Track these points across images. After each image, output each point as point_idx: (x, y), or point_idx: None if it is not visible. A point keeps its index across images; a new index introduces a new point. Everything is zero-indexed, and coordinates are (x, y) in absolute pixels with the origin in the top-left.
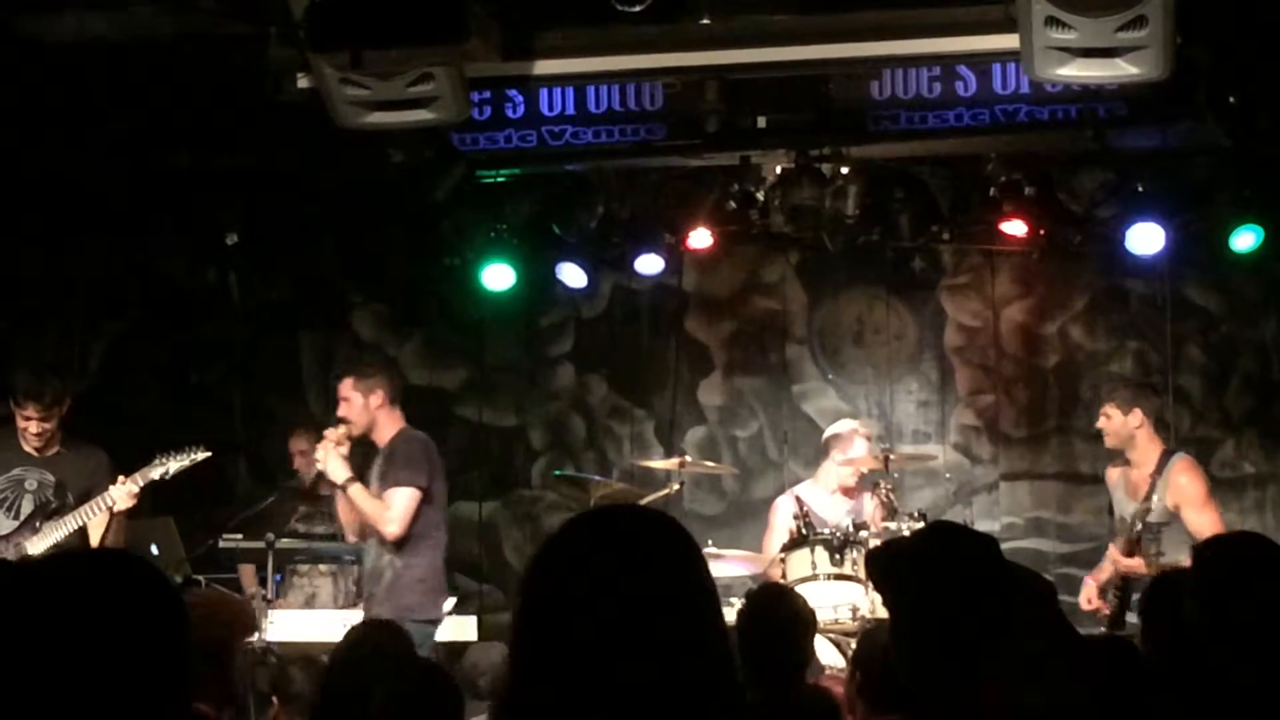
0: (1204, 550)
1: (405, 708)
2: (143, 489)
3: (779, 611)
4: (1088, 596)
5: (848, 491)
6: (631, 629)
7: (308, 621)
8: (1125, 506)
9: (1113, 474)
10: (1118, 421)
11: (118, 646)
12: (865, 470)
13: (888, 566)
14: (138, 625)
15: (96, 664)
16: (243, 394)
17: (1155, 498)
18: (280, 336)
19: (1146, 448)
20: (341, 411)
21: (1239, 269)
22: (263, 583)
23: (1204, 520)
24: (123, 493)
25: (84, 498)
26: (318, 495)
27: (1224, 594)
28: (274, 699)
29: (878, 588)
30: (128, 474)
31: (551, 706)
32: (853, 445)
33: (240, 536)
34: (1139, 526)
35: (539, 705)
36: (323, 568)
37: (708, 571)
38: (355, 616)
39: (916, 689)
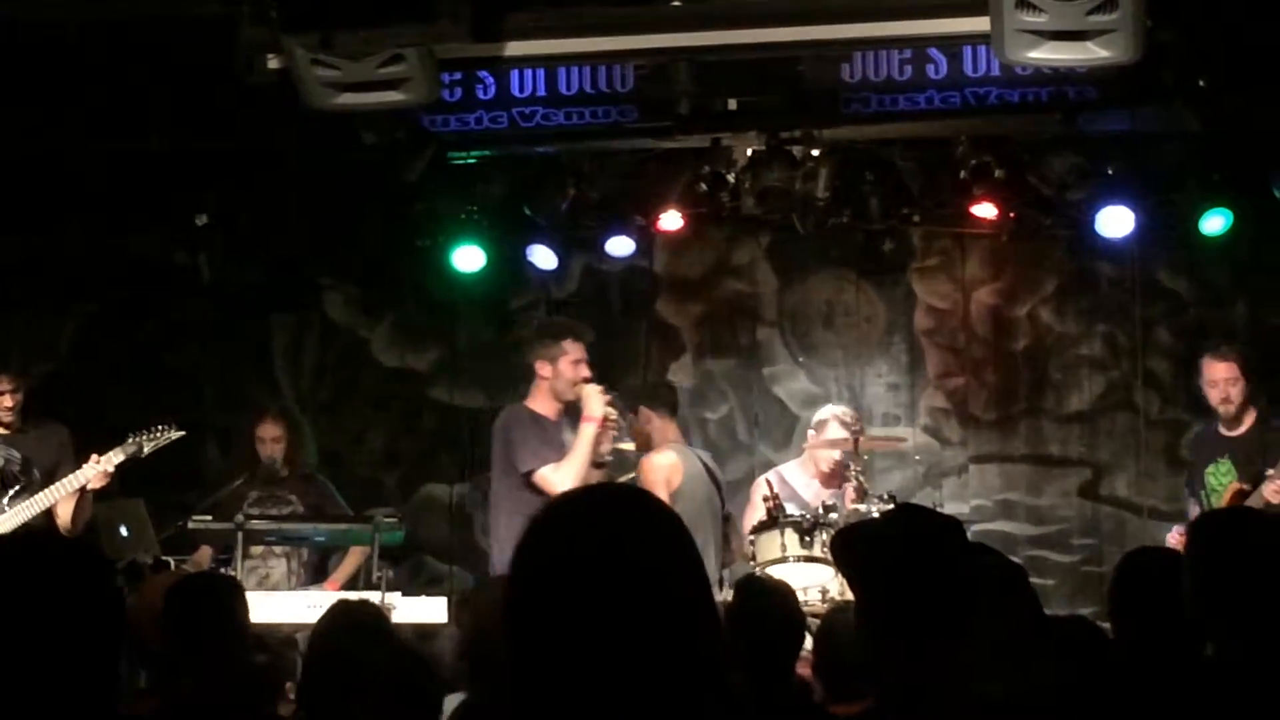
0: (1203, 525)
1: (391, 686)
2: (115, 469)
3: (771, 603)
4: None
5: (823, 479)
6: (623, 608)
7: (263, 603)
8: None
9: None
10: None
11: (47, 629)
12: (837, 456)
13: (852, 549)
14: (69, 611)
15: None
16: (213, 375)
17: None
18: (251, 318)
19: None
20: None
21: (1208, 252)
22: (223, 564)
23: None
24: (95, 472)
25: (49, 475)
26: (270, 480)
27: (1220, 568)
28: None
29: (842, 570)
30: (100, 453)
31: (544, 689)
32: (828, 432)
33: (209, 518)
34: None
35: (532, 688)
36: (276, 549)
37: (695, 550)
38: (311, 597)
39: (881, 673)
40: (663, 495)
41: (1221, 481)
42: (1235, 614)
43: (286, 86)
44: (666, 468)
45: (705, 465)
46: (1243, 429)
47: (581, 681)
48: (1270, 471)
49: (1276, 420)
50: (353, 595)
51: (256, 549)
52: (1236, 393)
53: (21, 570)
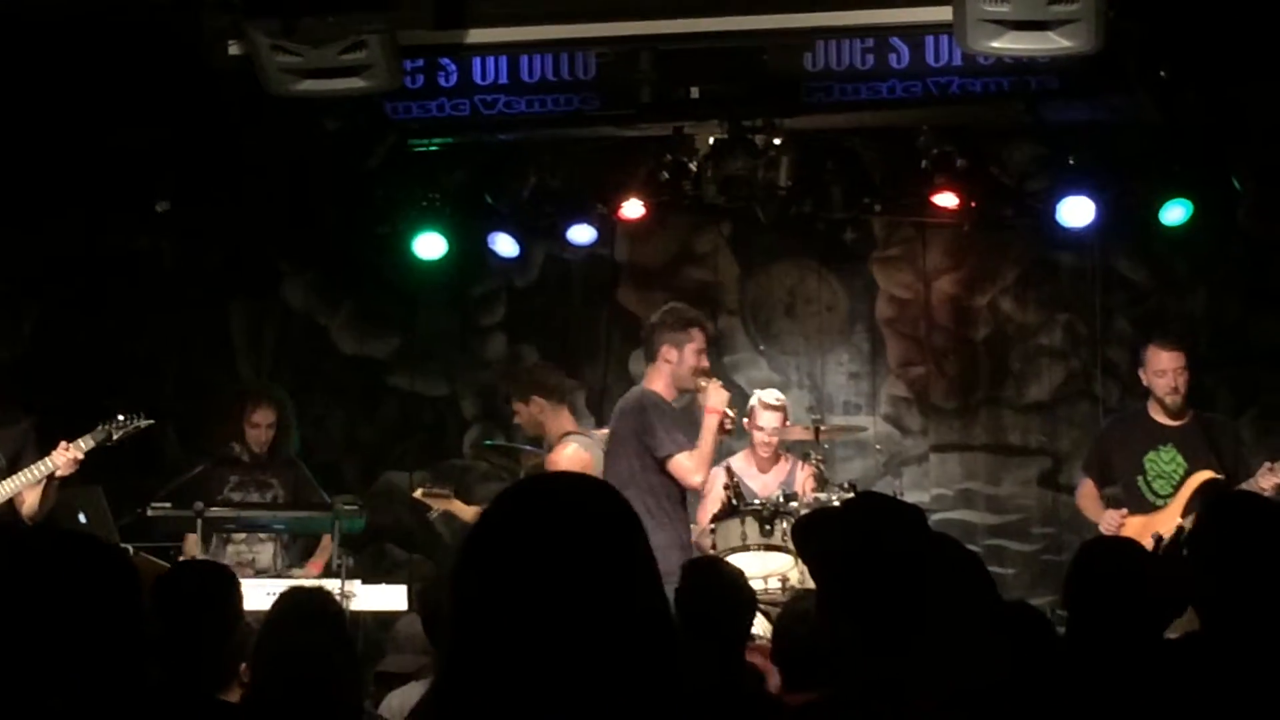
0: (1219, 507)
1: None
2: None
3: (719, 585)
4: None
5: (761, 464)
6: (572, 597)
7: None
8: None
9: None
10: None
11: (75, 619)
12: (773, 441)
13: (813, 537)
14: (96, 599)
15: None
16: (172, 362)
17: None
18: (210, 304)
19: None
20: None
21: (1168, 242)
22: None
23: None
24: (65, 459)
25: (13, 463)
26: (252, 465)
27: (1235, 551)
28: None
29: (803, 558)
30: (68, 440)
31: (490, 680)
32: (756, 418)
33: (169, 505)
34: None
35: (475, 676)
36: (262, 535)
37: (646, 539)
38: (271, 584)
39: (840, 661)
40: None
41: (1167, 468)
42: (1244, 596)
43: (248, 73)
44: (579, 464)
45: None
46: (1186, 420)
47: (529, 668)
48: (1270, 464)
49: (1214, 415)
50: (309, 582)
51: (241, 534)
52: (1183, 383)
53: (46, 565)
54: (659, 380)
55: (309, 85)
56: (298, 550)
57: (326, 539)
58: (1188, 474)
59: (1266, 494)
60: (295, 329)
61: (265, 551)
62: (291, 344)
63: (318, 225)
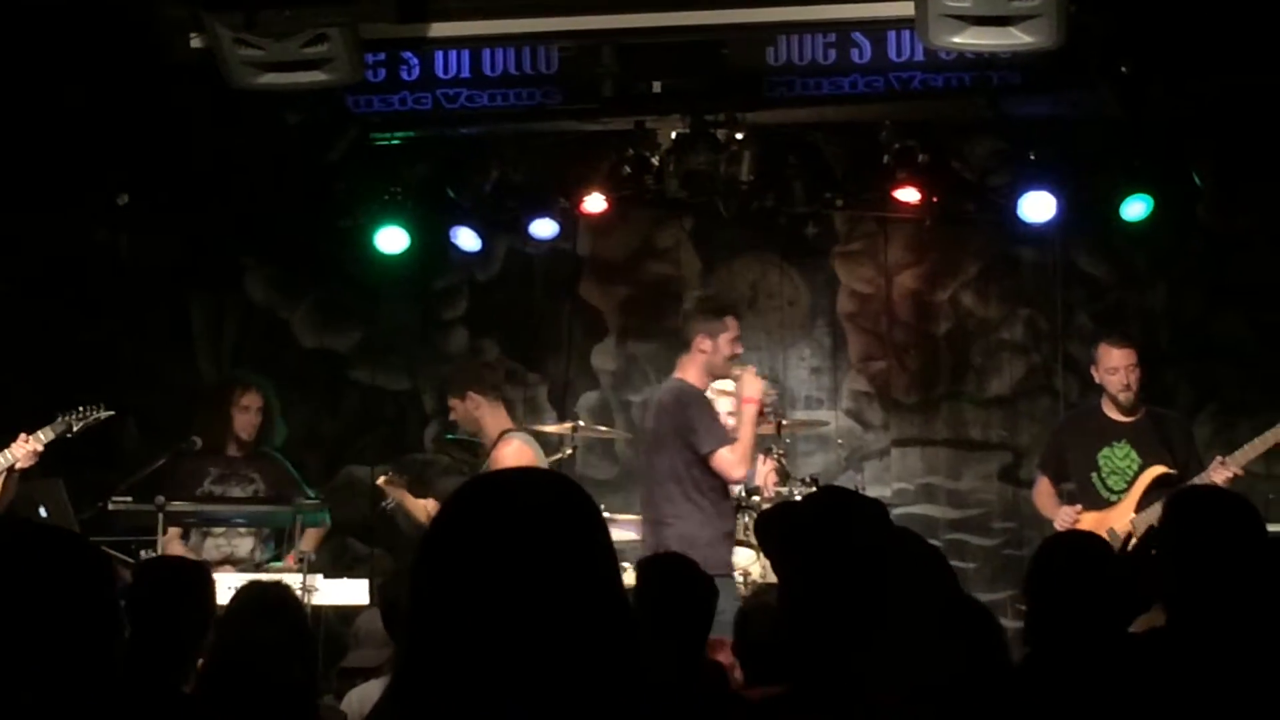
0: (1182, 501)
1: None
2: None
3: (678, 581)
4: None
5: None
6: (531, 591)
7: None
8: None
9: None
10: None
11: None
12: (729, 424)
13: (776, 530)
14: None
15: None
16: (131, 355)
17: None
18: (170, 298)
19: None
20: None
21: (1129, 238)
22: (146, 546)
23: None
24: (25, 451)
25: None
26: (231, 457)
27: (1197, 544)
28: None
29: (766, 552)
30: (28, 432)
31: (447, 673)
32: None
33: (130, 499)
34: None
35: (435, 672)
36: (241, 529)
37: (607, 533)
38: (232, 578)
39: (804, 655)
40: None
41: (1121, 465)
42: (1206, 589)
43: (209, 66)
44: (525, 460)
45: None
46: (1139, 416)
47: (485, 662)
48: (1222, 459)
49: (1167, 411)
50: (268, 576)
51: (220, 528)
52: (1136, 379)
53: (21, 560)
54: (692, 370)
55: (270, 79)
56: (276, 544)
57: (310, 532)
58: (1141, 470)
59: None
60: (256, 322)
61: (244, 545)
62: (252, 338)
63: (279, 219)
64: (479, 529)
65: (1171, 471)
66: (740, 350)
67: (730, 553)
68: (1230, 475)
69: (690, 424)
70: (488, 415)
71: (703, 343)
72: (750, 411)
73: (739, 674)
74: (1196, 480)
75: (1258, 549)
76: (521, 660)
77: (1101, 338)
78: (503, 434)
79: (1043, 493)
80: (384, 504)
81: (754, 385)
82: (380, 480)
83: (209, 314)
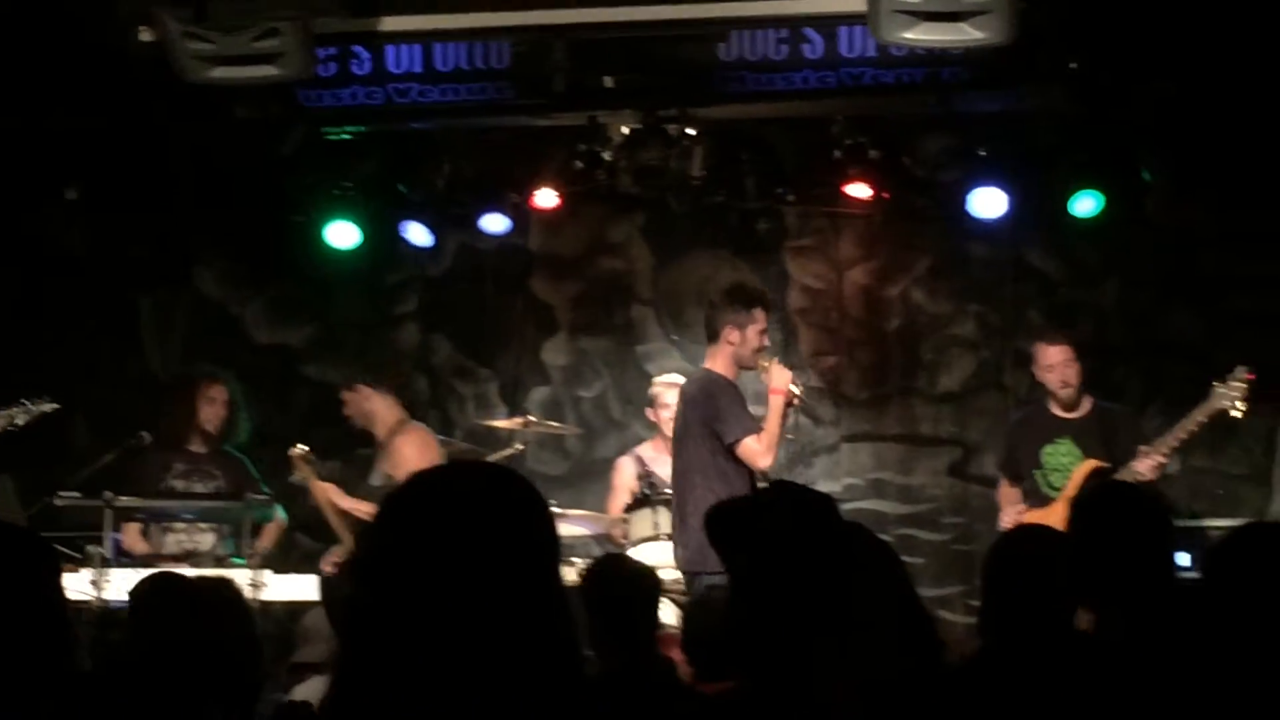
0: (1089, 500)
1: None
2: None
3: (625, 578)
4: None
5: (670, 447)
6: (472, 585)
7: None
8: None
9: None
10: None
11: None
12: (672, 423)
13: (725, 526)
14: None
15: None
16: (81, 350)
17: None
18: (121, 292)
19: None
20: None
21: (1079, 233)
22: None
23: None
24: None
25: None
26: (195, 452)
27: (1104, 542)
28: None
29: (715, 547)
30: None
31: (386, 665)
32: (660, 399)
33: (78, 495)
34: None
35: (373, 664)
36: (202, 524)
37: (552, 528)
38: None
39: (754, 651)
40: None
41: (1063, 461)
42: (1118, 587)
43: (160, 59)
44: (432, 446)
45: None
46: (1082, 412)
47: (425, 656)
48: (1144, 448)
49: (1113, 405)
50: (212, 572)
51: (180, 523)
52: (1073, 374)
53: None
54: (720, 361)
55: (222, 72)
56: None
57: (269, 528)
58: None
59: (1145, 478)
60: (207, 317)
61: (206, 540)
62: (203, 333)
63: (230, 213)
64: (422, 522)
65: (1105, 466)
66: (768, 343)
67: None
68: (1155, 463)
69: (717, 413)
70: (379, 407)
71: (731, 334)
72: (777, 402)
73: (686, 670)
74: (1122, 471)
75: (1157, 543)
76: (460, 654)
77: (1038, 336)
78: (401, 423)
79: (1003, 494)
80: (291, 477)
81: (782, 376)
82: (293, 451)
83: (159, 309)
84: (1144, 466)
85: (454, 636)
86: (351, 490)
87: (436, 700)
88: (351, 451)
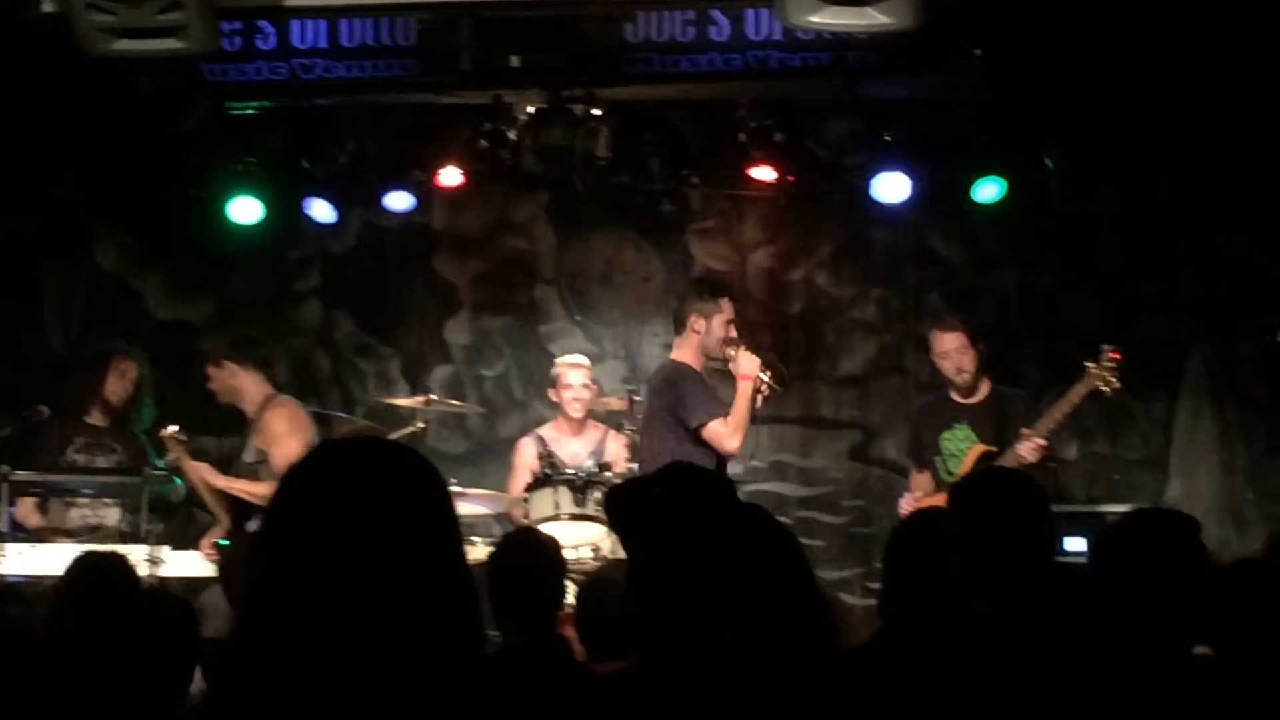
0: (964, 487)
1: (133, 643)
2: None
3: (532, 556)
4: None
5: (573, 428)
6: (371, 560)
7: (30, 555)
8: None
9: None
10: None
11: None
12: (583, 398)
13: (623, 506)
14: None
15: None
16: None
17: None
18: (20, 266)
19: None
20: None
21: (982, 220)
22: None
23: None
24: None
25: None
26: (95, 426)
27: (979, 529)
28: None
29: (613, 527)
30: None
31: (283, 640)
32: (563, 379)
33: None
34: None
35: (269, 639)
36: (106, 499)
37: (452, 506)
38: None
39: (649, 631)
40: (298, 445)
41: (960, 446)
42: (994, 570)
43: (61, 31)
44: (301, 420)
45: None
46: (979, 397)
47: (322, 637)
48: (1025, 430)
49: (1010, 390)
50: (104, 548)
51: (85, 495)
52: (968, 361)
53: None
54: (686, 351)
55: (124, 45)
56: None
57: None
58: None
59: (1028, 461)
60: (107, 292)
61: (111, 515)
62: (103, 307)
63: (131, 187)
64: (320, 499)
65: (993, 450)
66: (735, 333)
67: None
68: (1035, 445)
69: (681, 399)
70: (246, 382)
71: (696, 323)
72: (746, 387)
73: (578, 649)
74: (1006, 455)
75: (1031, 527)
76: (358, 630)
77: (933, 325)
78: (269, 398)
79: (914, 481)
80: (164, 459)
81: (751, 363)
82: (164, 432)
83: (59, 283)
84: (1025, 450)
85: (353, 612)
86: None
87: (336, 675)
88: (250, 427)
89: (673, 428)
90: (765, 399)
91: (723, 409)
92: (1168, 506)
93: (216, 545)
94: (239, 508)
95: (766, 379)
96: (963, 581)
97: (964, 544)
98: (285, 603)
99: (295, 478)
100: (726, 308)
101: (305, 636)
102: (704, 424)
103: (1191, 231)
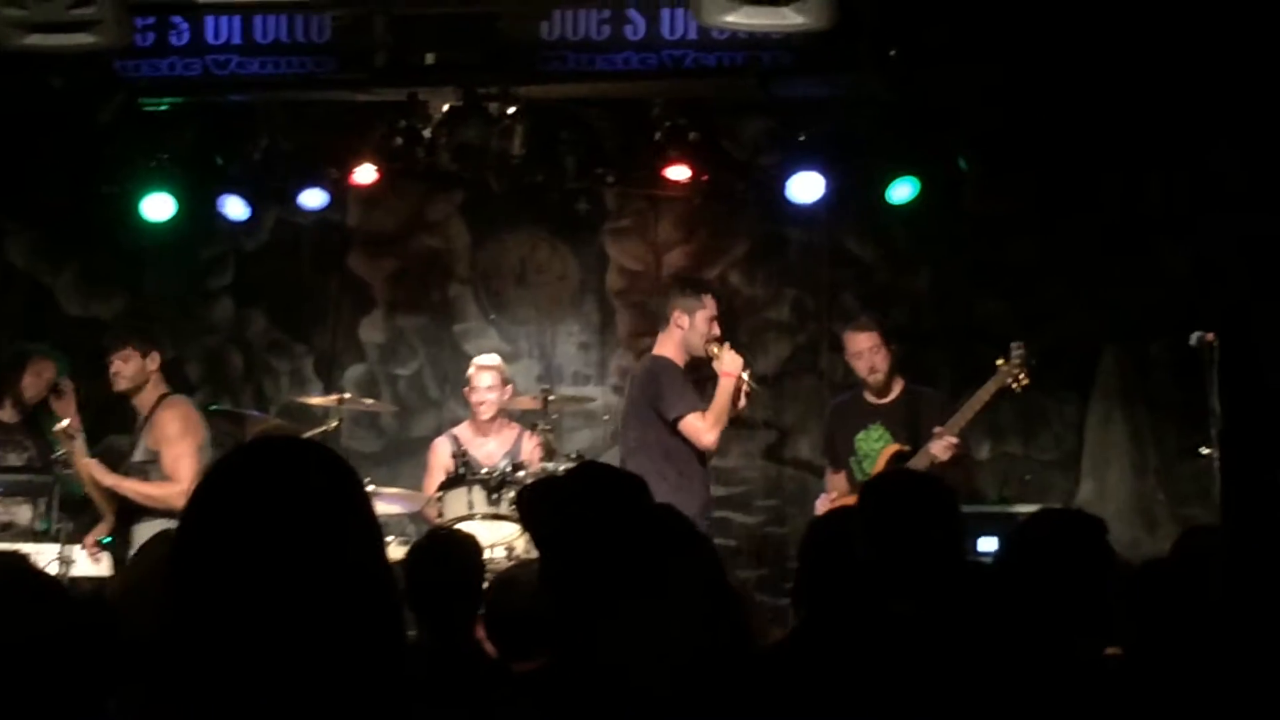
0: (873, 488)
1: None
2: None
3: (453, 554)
4: None
5: (483, 429)
6: (293, 561)
7: None
8: None
9: None
10: None
11: None
12: (491, 400)
13: (536, 506)
14: None
15: None
16: None
17: None
18: None
19: None
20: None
21: (896, 220)
22: None
23: None
24: None
25: None
26: (5, 423)
27: (888, 529)
28: None
29: (526, 526)
30: None
31: (203, 644)
32: (474, 381)
33: None
34: None
35: (189, 643)
36: (19, 496)
37: (370, 506)
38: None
39: (562, 630)
40: (191, 447)
41: (874, 446)
42: (903, 569)
43: None
44: (195, 419)
45: None
46: (892, 396)
47: (244, 637)
48: (937, 429)
49: (924, 389)
50: (7, 546)
51: None
52: (881, 360)
53: None
54: (669, 345)
55: (36, 40)
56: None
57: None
58: None
59: (941, 460)
60: (18, 288)
61: (23, 513)
62: (14, 303)
63: (43, 183)
64: (240, 499)
65: (906, 449)
66: (718, 331)
67: (703, 524)
68: (947, 444)
69: (659, 392)
70: (147, 374)
71: (680, 319)
72: (727, 384)
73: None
74: (919, 454)
75: (938, 526)
76: (281, 630)
77: (846, 325)
78: (163, 397)
79: (830, 481)
80: (55, 454)
81: (734, 361)
82: (57, 428)
83: None
84: (938, 448)
85: (276, 613)
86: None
87: (260, 677)
88: None
89: (652, 420)
90: (748, 397)
91: (701, 403)
92: (1079, 507)
93: (99, 543)
94: (125, 506)
95: (747, 378)
96: (873, 580)
97: (873, 542)
98: (207, 606)
99: (214, 479)
100: (710, 304)
101: (229, 639)
102: (681, 416)
103: (1103, 233)
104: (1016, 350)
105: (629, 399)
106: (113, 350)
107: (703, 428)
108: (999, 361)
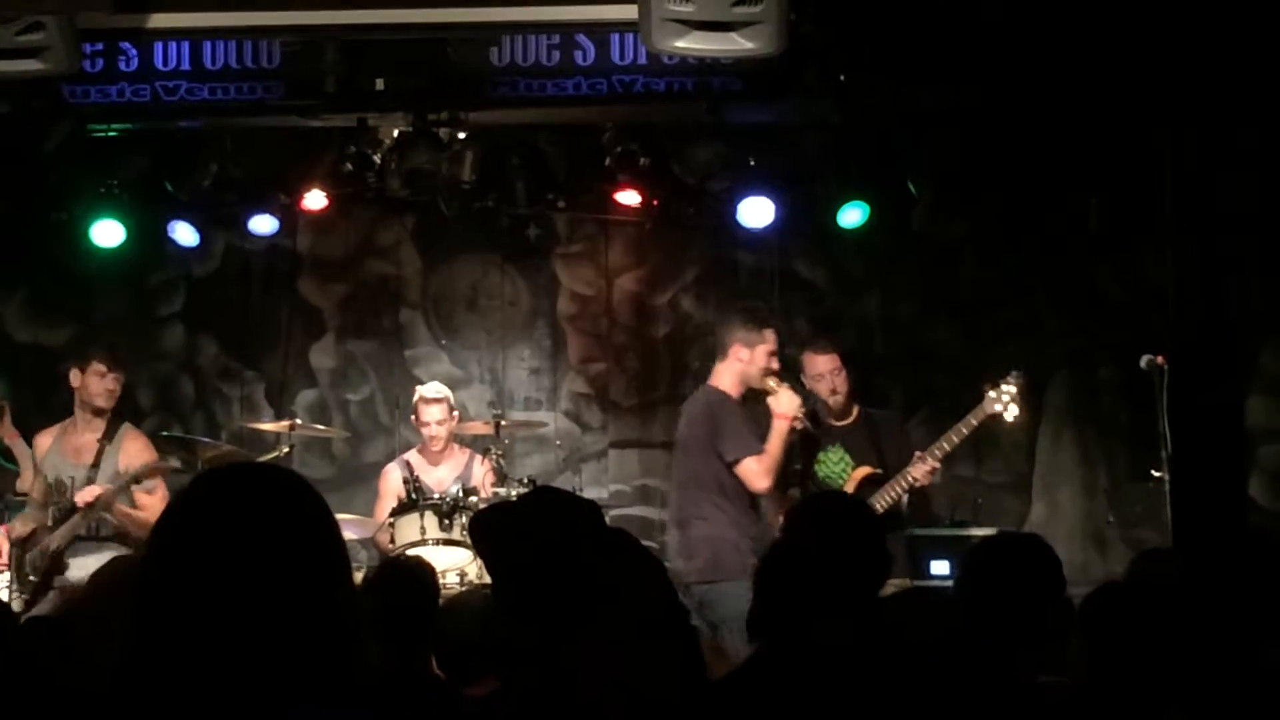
0: (793, 511)
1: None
2: None
3: (409, 581)
4: None
5: (432, 457)
6: (261, 586)
7: None
8: None
9: None
10: None
11: None
12: (439, 434)
13: (488, 531)
14: None
15: None
16: None
17: None
18: None
19: None
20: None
21: (846, 244)
22: None
23: None
24: None
25: None
26: None
27: (803, 551)
28: None
29: (479, 552)
30: None
31: (169, 668)
32: (421, 413)
33: None
34: None
35: (155, 668)
36: None
37: (336, 529)
38: None
39: (515, 654)
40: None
41: (834, 469)
42: (836, 594)
43: None
44: (152, 447)
45: None
46: (852, 418)
47: (212, 666)
48: (919, 454)
49: (880, 411)
50: None
51: None
52: (841, 382)
53: None
54: (726, 378)
55: None
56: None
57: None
58: (852, 473)
59: (920, 483)
60: None
61: None
62: None
63: None
64: (206, 525)
65: (878, 471)
66: (777, 365)
67: (751, 558)
68: (930, 467)
69: (719, 430)
70: (112, 393)
71: (740, 351)
72: (781, 426)
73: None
74: (899, 477)
75: (862, 549)
76: (236, 651)
77: (807, 345)
78: (121, 422)
79: (778, 504)
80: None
81: (791, 402)
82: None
83: None
84: (919, 472)
85: (243, 639)
86: None
87: (225, 701)
88: None
89: (709, 456)
90: (800, 434)
91: (758, 446)
92: (1031, 530)
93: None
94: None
95: (802, 415)
96: (808, 605)
97: (802, 566)
98: (177, 635)
99: (180, 507)
100: (771, 339)
101: (195, 664)
102: (738, 460)
103: (1053, 258)
104: (1014, 380)
105: (685, 430)
106: (83, 364)
107: (758, 471)
108: (987, 388)
